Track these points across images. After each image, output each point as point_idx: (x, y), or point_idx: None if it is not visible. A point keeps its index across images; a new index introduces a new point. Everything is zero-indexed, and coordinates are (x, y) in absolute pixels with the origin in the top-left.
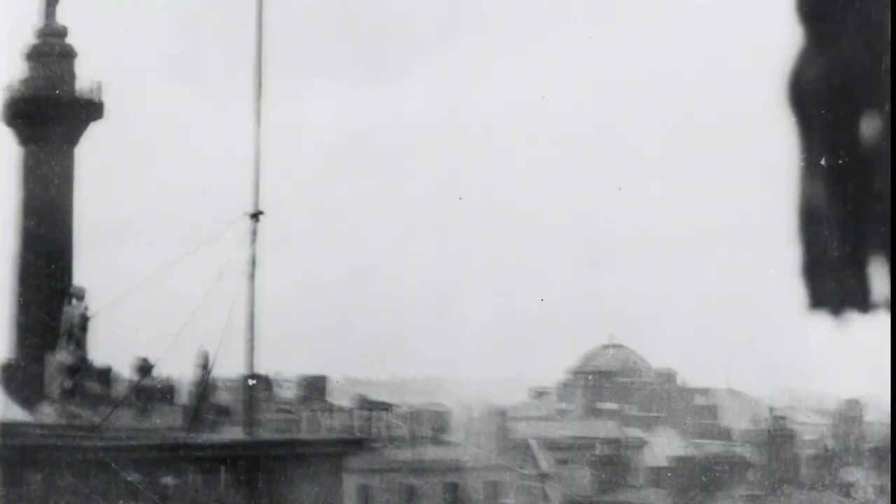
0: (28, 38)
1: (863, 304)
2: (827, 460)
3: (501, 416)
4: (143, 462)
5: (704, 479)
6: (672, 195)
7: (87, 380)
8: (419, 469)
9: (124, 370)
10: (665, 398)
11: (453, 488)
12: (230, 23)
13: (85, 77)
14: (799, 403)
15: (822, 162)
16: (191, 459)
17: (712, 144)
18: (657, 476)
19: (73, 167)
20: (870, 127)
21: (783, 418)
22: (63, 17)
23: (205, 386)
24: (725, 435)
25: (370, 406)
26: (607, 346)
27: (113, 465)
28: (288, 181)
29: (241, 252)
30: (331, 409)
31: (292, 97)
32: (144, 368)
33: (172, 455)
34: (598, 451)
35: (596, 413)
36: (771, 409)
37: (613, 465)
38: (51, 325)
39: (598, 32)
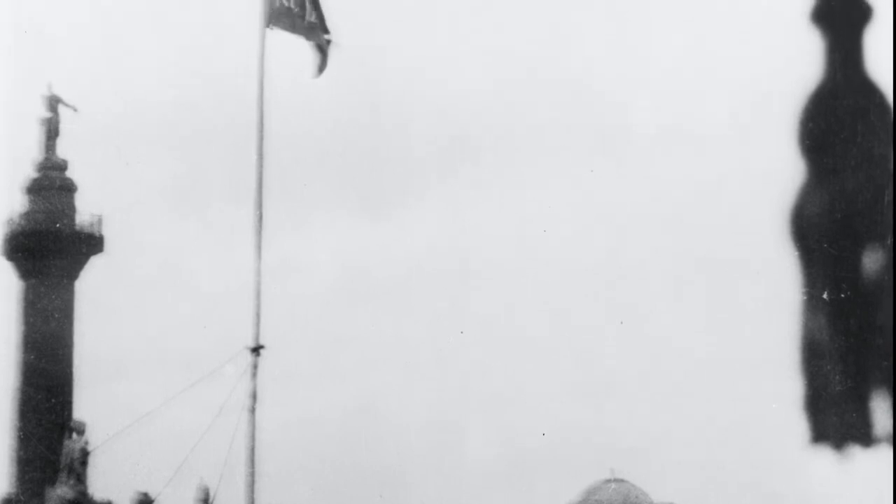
0: (28, 171)
1: (865, 438)
2: None
3: None
4: None
5: None
6: (673, 327)
7: None
8: None
9: None
10: None
11: None
12: (230, 156)
13: (85, 211)
14: None
15: (825, 296)
16: None
17: (714, 277)
18: None
19: (74, 301)
20: (872, 261)
21: None
22: (63, 150)
23: None
24: None
25: None
26: (609, 480)
27: None
28: (289, 315)
29: (241, 386)
30: None
31: (293, 231)
32: (145, 503)
33: None
34: None
35: None
36: None
37: None
38: (51, 459)
39: (599, 164)
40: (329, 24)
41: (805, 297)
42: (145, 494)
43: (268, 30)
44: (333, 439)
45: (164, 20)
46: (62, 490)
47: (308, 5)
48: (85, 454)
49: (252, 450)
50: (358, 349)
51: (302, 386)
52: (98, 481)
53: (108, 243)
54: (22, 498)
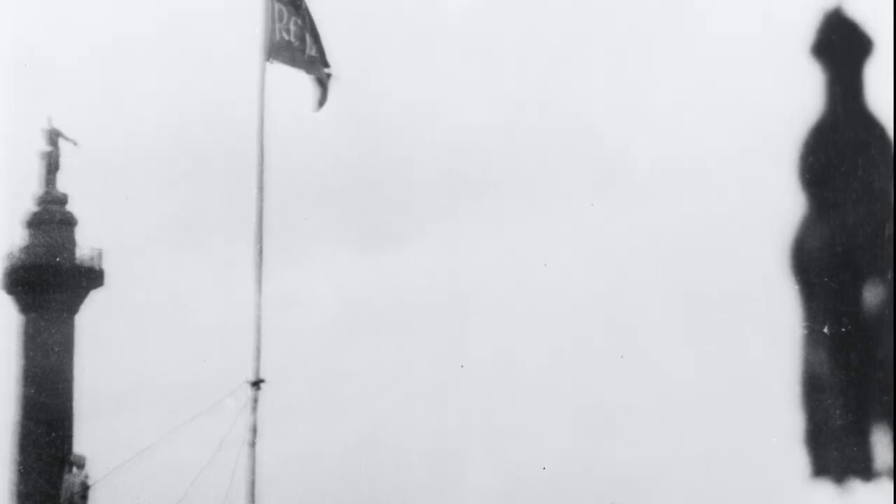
0: (28, 205)
1: (866, 472)
2: None
3: None
4: None
5: None
6: (674, 361)
7: None
8: None
9: None
10: None
11: None
12: (231, 190)
13: (85, 245)
14: None
15: (825, 330)
16: None
17: (714, 311)
18: None
19: (74, 335)
20: (873, 295)
21: None
22: (63, 184)
23: None
24: None
25: None
26: None
27: None
28: (289, 349)
29: (242, 420)
30: None
31: (293, 265)
32: None
33: None
34: None
35: None
36: None
37: None
38: (51, 493)
39: (599, 199)
40: (329, 57)
41: (806, 331)
42: None
43: (268, 63)
44: (334, 473)
45: (165, 54)
46: None
47: (308, 39)
48: (85, 488)
49: (252, 484)
50: (358, 383)
51: (302, 420)
52: None
53: (109, 277)
54: None
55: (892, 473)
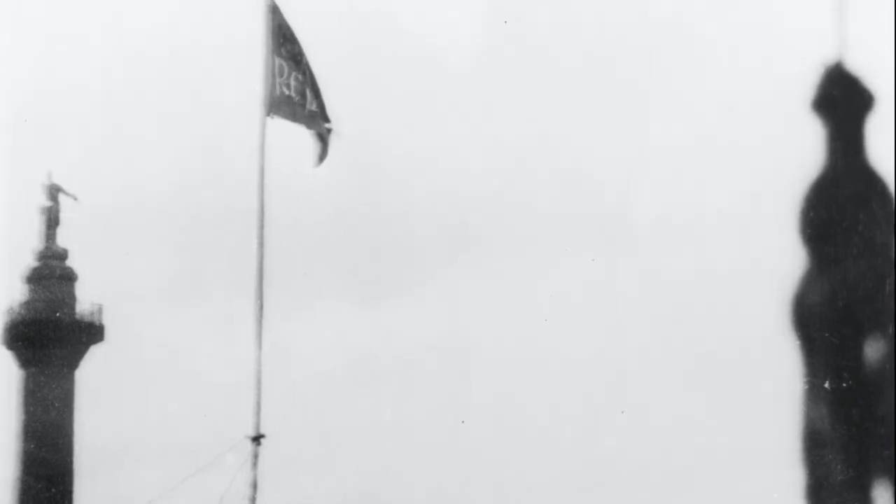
0: (29, 260)
1: None
2: None
3: None
4: None
5: None
6: (675, 418)
7: None
8: None
9: None
10: None
11: None
12: (231, 245)
13: (85, 300)
14: None
15: (826, 385)
16: None
17: (716, 367)
18: None
19: (74, 390)
20: (874, 350)
21: None
22: (63, 239)
23: None
24: None
25: None
26: None
27: None
28: (289, 404)
29: (242, 475)
30: None
31: (293, 319)
32: None
33: None
34: None
35: None
36: None
37: None
38: None
39: (600, 255)
40: (330, 112)
41: (807, 386)
42: None
43: (268, 118)
44: None
45: (165, 109)
46: None
47: (309, 94)
48: None
49: None
50: (359, 437)
51: (303, 473)
52: None
53: (109, 332)
54: None
55: None
